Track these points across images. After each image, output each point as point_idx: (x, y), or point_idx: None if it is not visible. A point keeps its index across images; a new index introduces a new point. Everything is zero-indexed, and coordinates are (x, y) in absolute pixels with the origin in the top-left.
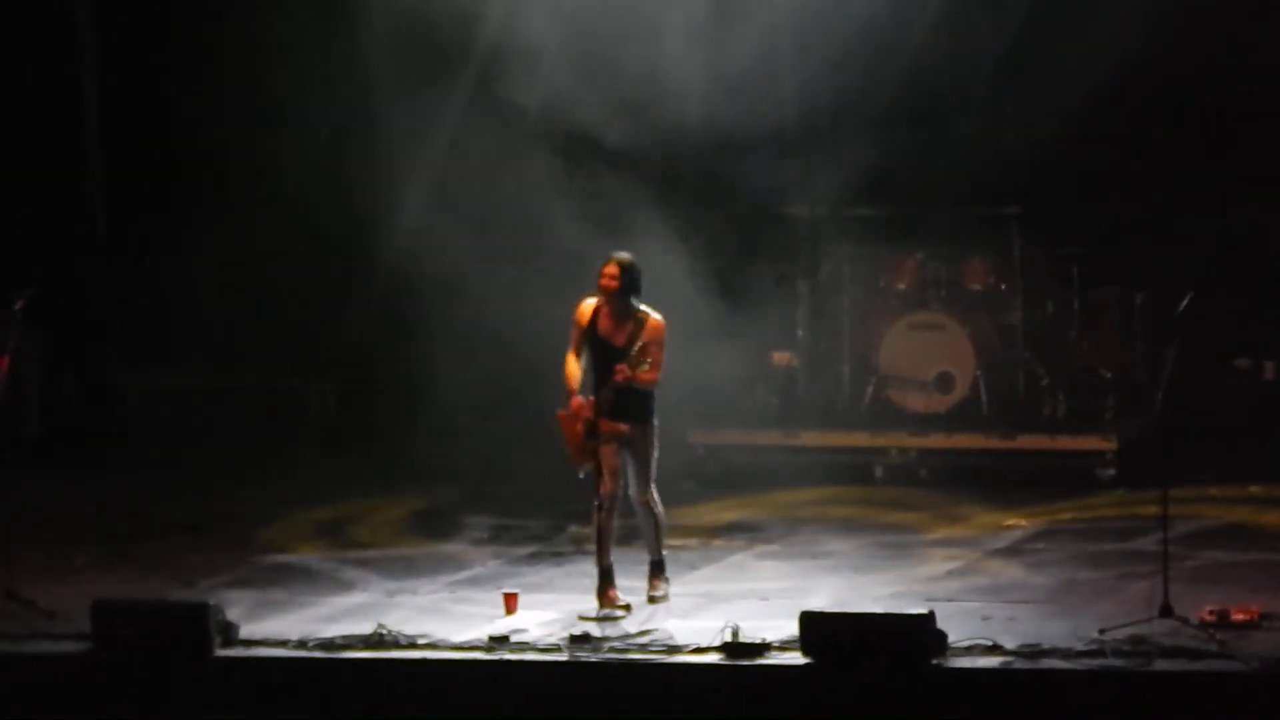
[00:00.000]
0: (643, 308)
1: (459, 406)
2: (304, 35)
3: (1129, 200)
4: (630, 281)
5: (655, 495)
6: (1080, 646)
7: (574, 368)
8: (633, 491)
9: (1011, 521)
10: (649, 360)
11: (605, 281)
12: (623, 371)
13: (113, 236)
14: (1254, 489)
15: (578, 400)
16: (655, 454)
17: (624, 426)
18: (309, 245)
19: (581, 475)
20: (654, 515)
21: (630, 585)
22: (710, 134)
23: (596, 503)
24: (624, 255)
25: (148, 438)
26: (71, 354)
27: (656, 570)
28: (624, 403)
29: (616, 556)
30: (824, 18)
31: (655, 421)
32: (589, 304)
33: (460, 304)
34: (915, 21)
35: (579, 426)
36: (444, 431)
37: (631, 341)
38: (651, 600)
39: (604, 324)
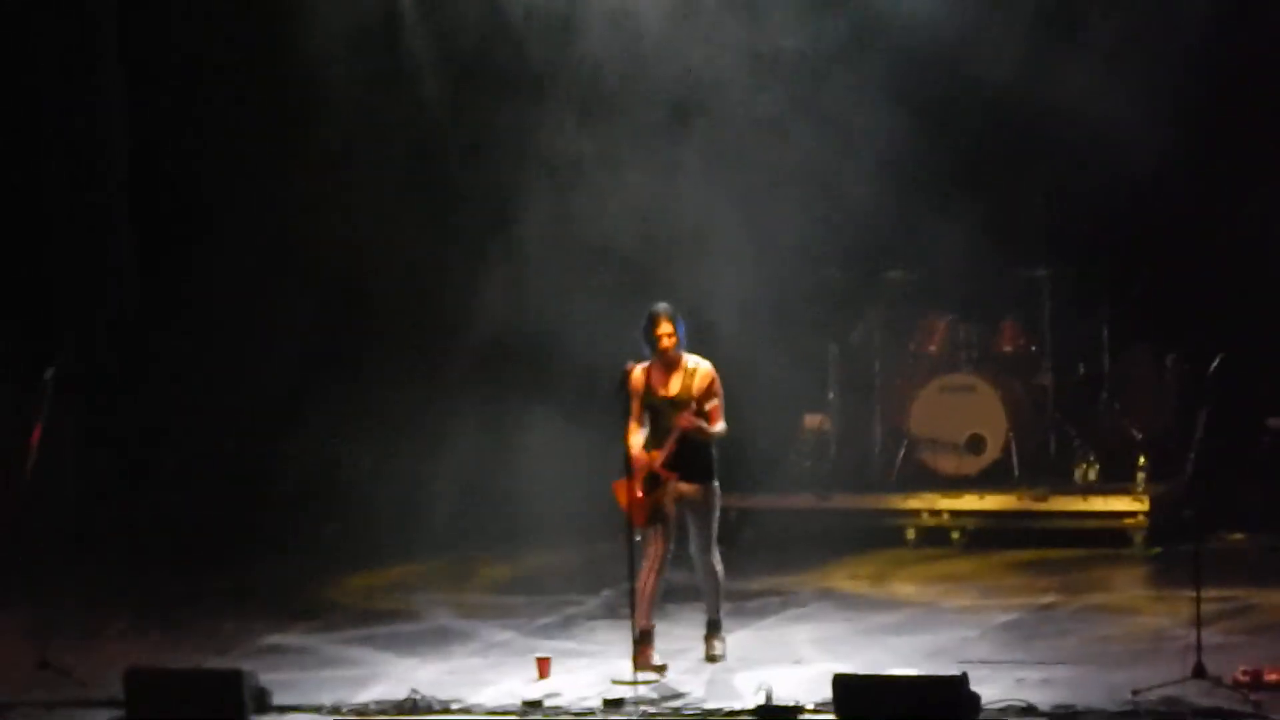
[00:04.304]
0: (688, 356)
1: (490, 467)
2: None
3: (1159, 261)
4: (683, 333)
5: (718, 555)
6: (1114, 708)
7: (637, 437)
8: (695, 551)
9: None
10: (709, 407)
11: (665, 342)
12: (687, 417)
13: (142, 308)
14: None
15: (644, 456)
16: (717, 513)
17: (686, 486)
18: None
19: (638, 538)
20: (715, 575)
21: (665, 648)
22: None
23: (646, 562)
24: (666, 307)
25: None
26: (101, 426)
27: (714, 629)
28: (685, 457)
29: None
30: (857, 84)
31: (715, 482)
32: (639, 369)
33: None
34: (950, 84)
35: (638, 484)
36: (476, 494)
37: (685, 390)
38: (711, 659)
39: (656, 381)
